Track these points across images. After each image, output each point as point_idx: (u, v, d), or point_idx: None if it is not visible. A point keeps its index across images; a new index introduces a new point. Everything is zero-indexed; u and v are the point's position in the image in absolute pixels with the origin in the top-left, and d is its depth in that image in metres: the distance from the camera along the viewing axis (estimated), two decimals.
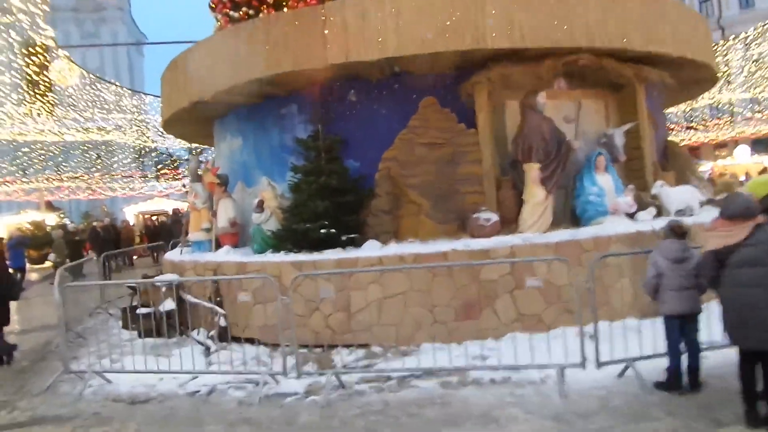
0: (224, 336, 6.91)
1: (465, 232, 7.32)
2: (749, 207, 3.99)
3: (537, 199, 7.28)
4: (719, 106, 30.17)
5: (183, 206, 29.84)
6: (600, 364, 5.14)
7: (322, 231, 7.18)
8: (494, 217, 7.17)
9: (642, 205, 7.78)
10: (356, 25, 6.96)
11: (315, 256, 7.03)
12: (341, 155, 7.89)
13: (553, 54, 7.33)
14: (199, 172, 9.82)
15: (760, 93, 27.46)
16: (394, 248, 6.95)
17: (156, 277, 8.34)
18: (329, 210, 7.32)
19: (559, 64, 7.33)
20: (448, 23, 6.82)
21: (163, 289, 7.97)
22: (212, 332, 7.29)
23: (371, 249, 7.08)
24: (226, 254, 8.25)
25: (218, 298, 7.71)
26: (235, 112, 9.41)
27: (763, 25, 25.47)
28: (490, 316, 6.58)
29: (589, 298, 5.21)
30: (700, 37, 9.06)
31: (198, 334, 7.38)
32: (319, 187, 7.42)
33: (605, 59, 7.61)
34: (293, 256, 7.17)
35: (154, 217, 29.92)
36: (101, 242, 18.48)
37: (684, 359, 4.78)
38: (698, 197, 8.38)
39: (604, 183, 7.66)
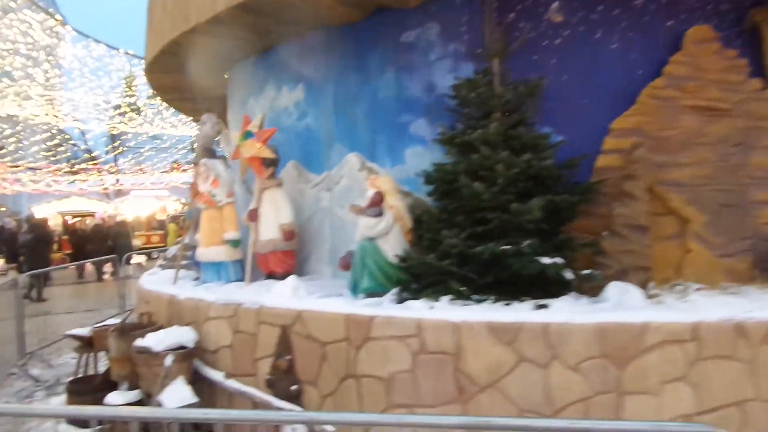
0: None
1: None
2: None
3: None
4: None
5: (102, 209, 24.28)
6: None
7: (537, 260, 3.43)
8: None
9: None
10: None
11: (522, 313, 3.29)
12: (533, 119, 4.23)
13: None
14: (219, 140, 5.86)
15: None
16: (708, 306, 3.31)
17: (148, 335, 4.21)
18: (541, 218, 3.64)
19: None
20: None
21: (169, 360, 3.97)
22: None
23: (639, 303, 3.41)
24: (295, 293, 4.19)
25: (293, 386, 3.77)
26: (294, 45, 5.54)
27: None
28: None
29: None
30: None
31: None
32: (520, 174, 3.72)
33: None
34: (485, 312, 3.37)
35: (74, 220, 23.95)
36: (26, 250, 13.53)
37: None
38: None
39: None
